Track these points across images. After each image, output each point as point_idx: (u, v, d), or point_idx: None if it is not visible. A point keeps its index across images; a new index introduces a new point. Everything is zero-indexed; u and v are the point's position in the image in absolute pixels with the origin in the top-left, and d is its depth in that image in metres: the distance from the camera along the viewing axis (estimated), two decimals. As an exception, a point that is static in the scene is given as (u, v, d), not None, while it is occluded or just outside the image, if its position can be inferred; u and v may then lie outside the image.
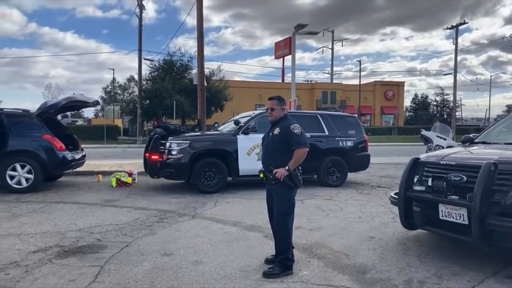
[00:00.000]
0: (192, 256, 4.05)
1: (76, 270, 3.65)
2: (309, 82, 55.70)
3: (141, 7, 27.43)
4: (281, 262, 3.60)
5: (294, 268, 3.65)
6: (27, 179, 7.71)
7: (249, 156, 7.85)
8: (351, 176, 9.59)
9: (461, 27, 37.15)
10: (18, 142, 7.78)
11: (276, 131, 3.70)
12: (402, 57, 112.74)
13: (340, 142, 8.91)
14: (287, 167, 3.54)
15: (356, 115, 11.25)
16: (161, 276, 3.53)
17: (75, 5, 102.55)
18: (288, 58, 26.71)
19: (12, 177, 7.65)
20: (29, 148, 7.78)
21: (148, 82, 31.46)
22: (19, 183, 7.68)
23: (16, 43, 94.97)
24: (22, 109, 8.64)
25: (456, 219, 3.66)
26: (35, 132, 7.93)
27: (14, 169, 7.66)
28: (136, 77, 31.51)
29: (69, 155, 8.23)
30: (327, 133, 8.81)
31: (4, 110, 8.45)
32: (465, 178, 3.72)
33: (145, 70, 31.34)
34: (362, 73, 51.09)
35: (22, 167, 7.70)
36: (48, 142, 7.90)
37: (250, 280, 3.45)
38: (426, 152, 8.69)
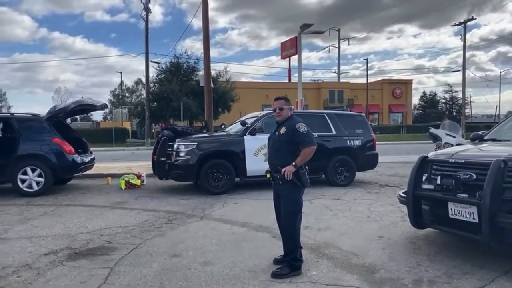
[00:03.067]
0: (201, 257, 4.07)
1: (87, 272, 3.69)
2: (316, 82, 55.55)
3: (147, 10, 27.62)
4: (290, 262, 3.60)
5: (303, 268, 3.64)
6: (37, 183, 7.81)
7: (256, 156, 7.86)
8: (359, 175, 9.54)
9: (469, 23, 36.86)
10: (28, 146, 7.88)
11: (283, 130, 3.71)
12: (410, 54, 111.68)
13: (348, 142, 8.87)
14: (294, 163, 3.54)
15: (363, 114, 11.19)
16: (170, 277, 3.56)
17: (83, 9, 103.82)
18: (295, 58, 26.73)
19: (23, 181, 7.76)
20: (39, 152, 7.88)
21: (156, 84, 31.67)
22: (30, 186, 7.78)
23: (26, 48, 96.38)
24: (32, 114, 8.77)
25: (466, 217, 3.63)
26: (45, 136, 8.02)
27: (25, 173, 7.76)
28: (143, 79, 31.80)
29: (78, 158, 8.31)
30: (334, 132, 8.79)
31: (15, 115, 8.59)
32: (474, 176, 3.68)
33: (152, 73, 31.57)
34: (370, 72, 50.88)
35: (33, 170, 7.79)
36: (58, 146, 7.99)
37: (258, 281, 3.45)
38: (435, 150, 8.61)
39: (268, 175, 3.80)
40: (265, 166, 3.94)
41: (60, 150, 7.98)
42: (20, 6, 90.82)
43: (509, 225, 3.33)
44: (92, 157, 9.25)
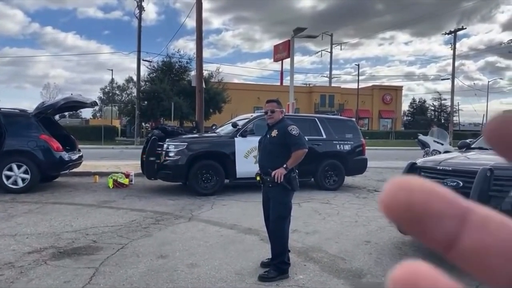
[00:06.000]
0: (188, 258, 4.04)
1: (71, 271, 3.64)
2: (308, 85, 55.77)
3: (141, 8, 27.46)
4: (277, 265, 3.60)
5: (290, 272, 3.64)
6: (23, 179, 7.68)
7: (247, 158, 7.84)
8: (348, 179, 9.59)
9: (459, 33, 37.30)
10: (15, 142, 7.75)
11: (274, 133, 3.70)
12: (401, 61, 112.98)
13: (338, 146, 8.92)
14: (285, 165, 3.54)
15: (354, 119, 11.27)
16: (156, 278, 3.52)
17: (76, 5, 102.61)
18: (287, 61, 26.79)
19: (8, 177, 7.62)
20: (26, 148, 7.75)
21: (147, 83, 31.43)
22: (15, 183, 7.65)
23: (17, 42, 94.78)
24: (20, 109, 8.63)
25: (452, 224, 3.66)
26: (32, 132, 7.90)
27: (10, 169, 7.63)
28: (134, 78, 31.56)
29: (66, 155, 8.20)
30: (324, 136, 8.82)
31: (1, 109, 8.43)
32: (461, 184, 3.73)
33: (144, 71, 31.32)
34: (361, 77, 51.41)
35: (19, 167, 7.66)
36: (45, 142, 7.87)
37: (245, 284, 3.44)
38: (423, 157, 8.71)
39: (258, 178, 3.79)
40: (255, 168, 3.93)
41: (47, 147, 7.86)
42: (12, 0, 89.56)
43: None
44: (80, 154, 9.14)
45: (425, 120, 55.30)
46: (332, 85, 55.20)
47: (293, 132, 3.62)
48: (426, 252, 4.39)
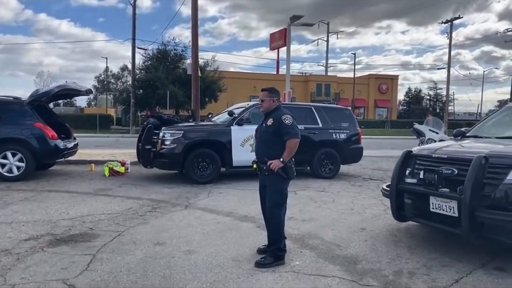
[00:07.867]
0: (185, 245, 4.06)
1: (68, 258, 3.65)
2: (304, 74, 55.57)
3: (135, -5, 27.04)
4: (273, 252, 3.63)
5: (286, 258, 3.68)
6: (18, 168, 7.64)
7: (243, 147, 7.85)
8: (343, 168, 9.64)
9: (455, 22, 37.18)
10: (9, 130, 7.68)
11: (270, 121, 3.71)
12: (397, 51, 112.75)
13: (334, 135, 8.94)
14: (281, 159, 3.55)
15: (349, 108, 11.28)
16: (154, 265, 3.55)
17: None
18: (283, 49, 26.69)
19: (3, 165, 7.58)
20: (20, 136, 7.69)
21: (142, 71, 31.17)
22: (10, 171, 7.61)
23: (10, 29, 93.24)
24: (14, 97, 8.53)
25: (447, 211, 3.71)
26: (27, 120, 7.83)
27: (5, 157, 7.58)
28: (129, 66, 31.27)
29: (61, 143, 8.15)
30: (320, 125, 8.83)
31: (-5, 97, 8.34)
32: (456, 171, 3.75)
33: (139, 59, 31.06)
34: (357, 66, 51.22)
35: (13, 155, 7.62)
36: (39, 130, 7.81)
37: (242, 270, 3.48)
38: (419, 146, 8.76)
39: (254, 166, 3.81)
40: (252, 156, 3.94)
41: (42, 135, 7.81)
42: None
43: (488, 220, 3.43)
44: (76, 143, 9.09)
45: (420, 110, 55.47)
46: (328, 74, 55.06)
47: (286, 121, 3.63)
48: (420, 239, 4.45)
